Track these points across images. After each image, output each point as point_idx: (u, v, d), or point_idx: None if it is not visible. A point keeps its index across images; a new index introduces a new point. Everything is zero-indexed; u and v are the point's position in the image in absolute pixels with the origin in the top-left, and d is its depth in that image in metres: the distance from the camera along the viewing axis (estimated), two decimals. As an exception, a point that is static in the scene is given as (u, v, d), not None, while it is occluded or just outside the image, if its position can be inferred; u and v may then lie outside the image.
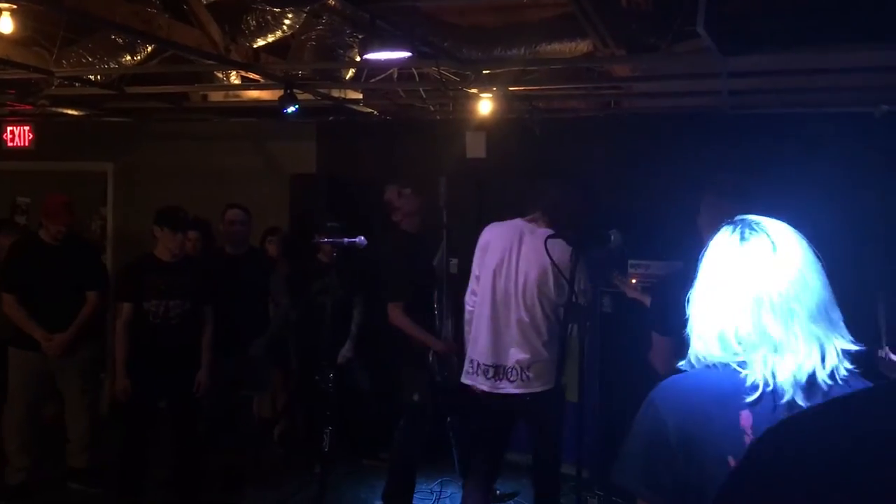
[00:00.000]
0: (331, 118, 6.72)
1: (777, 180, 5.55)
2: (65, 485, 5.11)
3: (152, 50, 5.28)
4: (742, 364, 1.46)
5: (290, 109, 5.23)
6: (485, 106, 5.85)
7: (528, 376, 3.78)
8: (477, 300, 3.98)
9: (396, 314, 4.52)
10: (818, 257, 1.54)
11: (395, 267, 4.57)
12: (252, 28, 5.18)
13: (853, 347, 1.47)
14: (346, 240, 3.91)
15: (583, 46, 5.01)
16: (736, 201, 2.73)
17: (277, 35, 5.21)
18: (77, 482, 5.11)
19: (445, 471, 5.36)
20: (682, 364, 1.55)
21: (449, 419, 5.02)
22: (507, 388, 3.81)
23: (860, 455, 0.89)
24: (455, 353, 4.56)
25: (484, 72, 5.17)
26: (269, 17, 5.07)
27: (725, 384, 1.44)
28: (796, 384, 1.42)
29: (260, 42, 5.20)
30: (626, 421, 1.59)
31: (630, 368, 3.55)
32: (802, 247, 1.53)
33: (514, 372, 3.79)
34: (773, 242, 1.51)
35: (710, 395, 1.45)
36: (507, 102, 6.02)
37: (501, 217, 4.19)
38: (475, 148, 6.59)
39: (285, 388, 6.15)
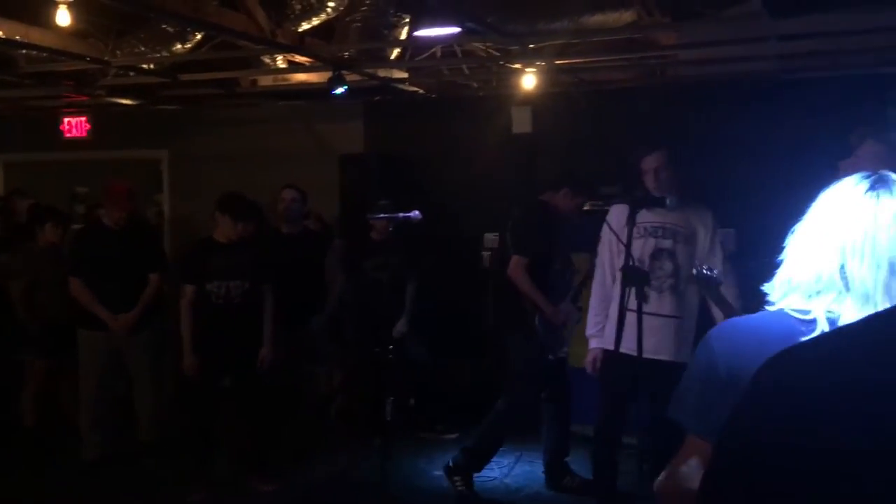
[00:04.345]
0: (377, 98, 6.79)
1: (828, 145, 5.47)
2: (137, 460, 5.31)
3: (202, 37, 5.41)
4: (803, 310, 1.45)
5: (340, 90, 5.31)
6: (529, 80, 5.85)
7: None
8: None
9: (518, 268, 4.46)
10: None
11: (527, 224, 4.60)
12: (297, 12, 5.26)
13: None
14: (400, 214, 3.99)
15: (626, 16, 5.00)
16: None
17: (321, 18, 5.28)
18: (149, 457, 5.31)
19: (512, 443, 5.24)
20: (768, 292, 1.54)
21: (544, 394, 4.85)
22: None
23: (859, 385, 0.86)
24: (563, 325, 4.52)
25: (529, 46, 5.18)
26: (313, 0, 5.15)
27: (782, 326, 1.45)
28: None
29: (304, 26, 5.28)
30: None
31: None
32: None
33: None
34: None
35: (764, 337, 1.45)
36: (552, 76, 6.02)
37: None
38: (521, 123, 6.60)
39: (341, 365, 6.29)
